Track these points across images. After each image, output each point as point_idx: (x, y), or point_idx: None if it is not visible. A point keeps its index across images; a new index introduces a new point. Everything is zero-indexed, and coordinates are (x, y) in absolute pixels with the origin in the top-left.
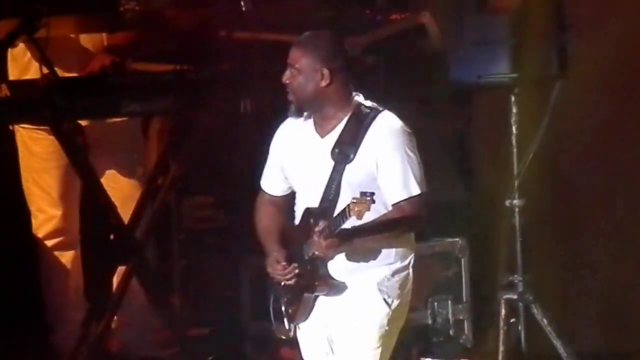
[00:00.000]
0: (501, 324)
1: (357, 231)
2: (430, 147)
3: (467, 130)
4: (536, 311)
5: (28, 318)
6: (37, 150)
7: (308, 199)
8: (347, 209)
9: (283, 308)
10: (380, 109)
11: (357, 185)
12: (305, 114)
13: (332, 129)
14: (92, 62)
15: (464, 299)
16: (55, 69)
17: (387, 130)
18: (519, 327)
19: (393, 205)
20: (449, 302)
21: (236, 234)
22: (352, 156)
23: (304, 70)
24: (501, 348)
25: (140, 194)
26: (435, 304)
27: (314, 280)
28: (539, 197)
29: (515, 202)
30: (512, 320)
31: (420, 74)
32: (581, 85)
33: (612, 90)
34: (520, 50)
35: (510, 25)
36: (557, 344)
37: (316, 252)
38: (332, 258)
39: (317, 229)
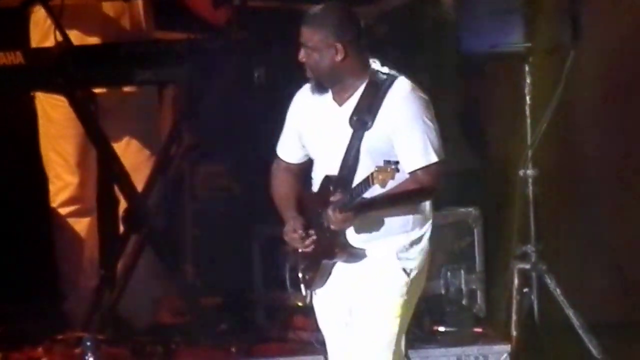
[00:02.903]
0: (514, 293)
1: (372, 203)
2: (442, 116)
3: (480, 99)
4: (549, 281)
5: (41, 285)
6: (56, 117)
7: (326, 166)
8: (370, 177)
9: (300, 274)
10: (397, 75)
11: (376, 152)
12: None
13: (350, 97)
14: None
15: (477, 269)
16: (78, 35)
17: (404, 97)
18: (532, 297)
19: (410, 173)
20: (462, 271)
21: (249, 203)
22: (370, 123)
23: (317, 48)
24: (514, 318)
25: (154, 162)
26: (449, 273)
27: (333, 248)
28: (552, 167)
29: (529, 172)
30: (525, 290)
31: (432, 44)
32: (595, 54)
33: (626, 59)
34: (533, 20)
35: None
36: (570, 313)
37: (330, 226)
38: (347, 228)
39: (332, 198)
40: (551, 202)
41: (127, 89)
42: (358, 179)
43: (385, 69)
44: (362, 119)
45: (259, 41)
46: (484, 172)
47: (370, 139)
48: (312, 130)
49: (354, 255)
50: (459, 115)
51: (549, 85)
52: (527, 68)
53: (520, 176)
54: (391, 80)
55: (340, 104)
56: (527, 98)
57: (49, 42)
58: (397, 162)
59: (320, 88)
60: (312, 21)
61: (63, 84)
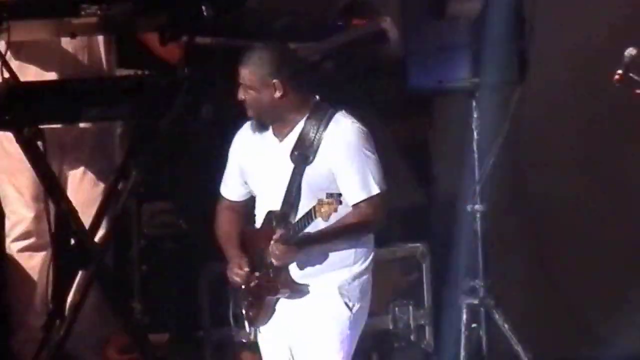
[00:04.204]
0: (462, 329)
1: (314, 238)
2: (390, 152)
3: (428, 135)
4: (497, 316)
5: None
6: (12, 151)
7: (269, 202)
8: (312, 211)
9: (244, 311)
10: (337, 109)
11: (318, 187)
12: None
13: (290, 131)
14: None
15: (425, 304)
16: (36, 71)
17: (343, 131)
18: (481, 333)
19: (353, 205)
20: (410, 307)
21: (196, 240)
22: (311, 158)
23: (255, 87)
24: (462, 353)
25: (101, 198)
26: (396, 309)
27: (276, 284)
28: (500, 201)
29: (477, 207)
30: (474, 325)
31: (379, 80)
32: (542, 89)
33: (573, 93)
34: (480, 55)
35: (470, 30)
36: (518, 349)
37: (273, 261)
38: (290, 263)
39: (274, 236)
40: (499, 237)
41: (83, 124)
42: (300, 214)
43: (325, 104)
44: (303, 153)
45: (205, 77)
46: (432, 207)
47: (311, 173)
48: (254, 166)
49: (297, 290)
50: (407, 151)
51: (496, 120)
52: (474, 103)
53: (468, 211)
54: (331, 114)
55: (280, 140)
56: (475, 133)
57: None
58: (339, 195)
59: (261, 126)
60: (248, 60)
61: (10, 121)
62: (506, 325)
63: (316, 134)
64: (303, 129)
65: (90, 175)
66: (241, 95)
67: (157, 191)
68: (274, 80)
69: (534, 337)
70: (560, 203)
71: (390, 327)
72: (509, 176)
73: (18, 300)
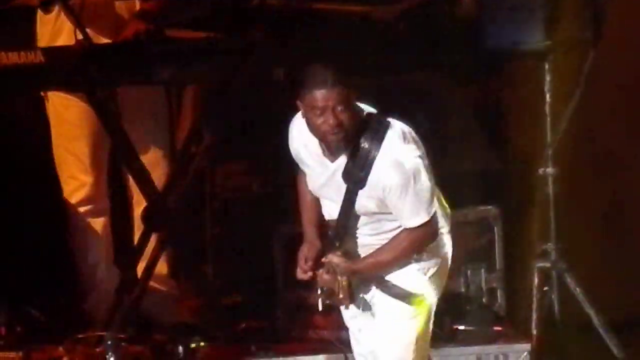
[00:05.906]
0: (534, 292)
1: (362, 269)
2: (463, 114)
3: (500, 97)
4: (569, 280)
5: (62, 284)
6: (69, 118)
7: (328, 207)
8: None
9: (318, 291)
10: (386, 125)
11: (370, 210)
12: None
13: (340, 154)
14: (126, 28)
15: (498, 267)
16: (90, 34)
17: (395, 159)
18: (552, 296)
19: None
20: (483, 270)
21: (270, 202)
22: (362, 181)
23: (349, 105)
24: (534, 317)
25: (174, 161)
26: (469, 272)
27: (334, 294)
28: (573, 165)
29: (549, 170)
30: (546, 288)
31: (452, 42)
32: (617, 51)
33: None
34: (554, 18)
35: None
36: (590, 312)
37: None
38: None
39: (323, 259)
40: (572, 200)
41: (136, 90)
42: (352, 235)
43: (373, 118)
44: (356, 175)
45: (279, 40)
46: (504, 170)
47: (363, 196)
48: (310, 172)
49: (355, 302)
50: (479, 113)
51: (569, 84)
52: (547, 66)
53: (540, 175)
54: (382, 134)
55: (332, 159)
56: (547, 96)
57: (59, 42)
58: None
59: (340, 148)
60: (331, 80)
61: (83, 83)
62: (578, 289)
63: (367, 157)
64: (354, 148)
65: (145, 141)
66: (340, 117)
67: (231, 153)
68: (354, 96)
69: (606, 301)
70: (635, 164)
71: (462, 289)
72: (583, 139)
73: (84, 263)
